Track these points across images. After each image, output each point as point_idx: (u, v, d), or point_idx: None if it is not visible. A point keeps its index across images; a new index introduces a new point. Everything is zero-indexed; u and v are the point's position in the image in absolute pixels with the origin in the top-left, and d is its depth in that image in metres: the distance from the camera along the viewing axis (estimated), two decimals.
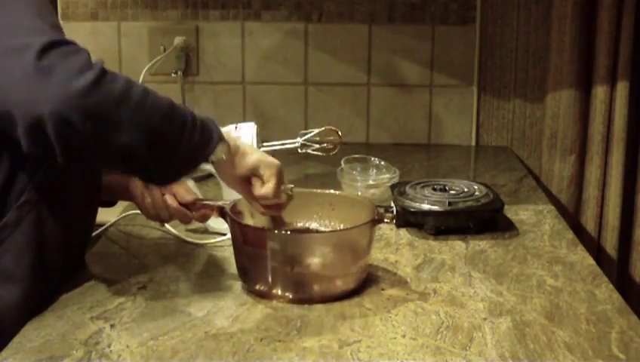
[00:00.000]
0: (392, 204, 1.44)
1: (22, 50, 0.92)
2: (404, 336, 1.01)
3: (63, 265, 1.15)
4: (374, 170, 1.67)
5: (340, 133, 1.67)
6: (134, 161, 0.98)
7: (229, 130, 1.39)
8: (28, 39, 0.93)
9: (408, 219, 1.42)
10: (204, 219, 1.24)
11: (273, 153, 1.56)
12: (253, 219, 1.20)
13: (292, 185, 1.16)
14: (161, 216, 1.25)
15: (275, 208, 1.16)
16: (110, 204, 1.34)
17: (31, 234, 1.06)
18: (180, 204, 1.22)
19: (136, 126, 0.95)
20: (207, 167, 1.09)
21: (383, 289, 1.16)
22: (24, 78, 0.91)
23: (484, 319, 1.07)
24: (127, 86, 0.95)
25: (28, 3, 1.00)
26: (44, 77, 0.90)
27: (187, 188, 1.23)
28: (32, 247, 1.06)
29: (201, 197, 1.37)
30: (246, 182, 1.13)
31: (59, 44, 0.93)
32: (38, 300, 1.08)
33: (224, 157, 1.07)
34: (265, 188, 1.12)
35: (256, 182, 1.13)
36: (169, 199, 1.22)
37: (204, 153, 1.04)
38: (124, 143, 0.95)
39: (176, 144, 1.00)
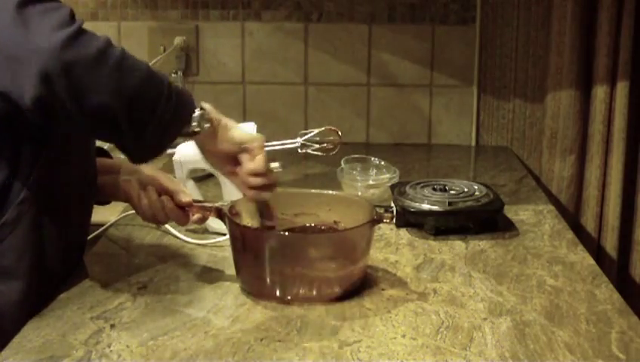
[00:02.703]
0: (392, 204, 1.44)
1: None
2: (404, 336, 1.01)
3: (62, 263, 1.15)
4: (374, 170, 1.67)
5: (339, 133, 1.67)
6: (108, 123, 0.96)
7: None
8: None
9: (408, 219, 1.42)
10: (201, 220, 1.22)
11: (273, 153, 1.56)
12: (252, 220, 1.20)
13: (278, 163, 1.13)
14: (157, 217, 1.23)
15: (264, 189, 1.13)
16: (104, 202, 1.33)
17: (31, 231, 1.06)
18: (177, 205, 1.22)
19: (113, 87, 0.94)
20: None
21: (383, 289, 1.16)
22: (1, 30, 0.91)
23: (484, 319, 1.07)
24: (105, 45, 0.95)
25: None
26: (22, 30, 0.90)
27: (184, 190, 1.22)
28: (32, 245, 1.06)
29: (200, 198, 1.37)
30: (230, 159, 1.11)
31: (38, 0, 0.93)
32: (38, 298, 1.08)
33: (205, 127, 1.05)
34: (256, 162, 1.09)
35: (244, 158, 1.10)
36: (165, 200, 1.20)
37: (182, 121, 1.03)
38: (99, 103, 0.94)
39: (152, 110, 0.98)
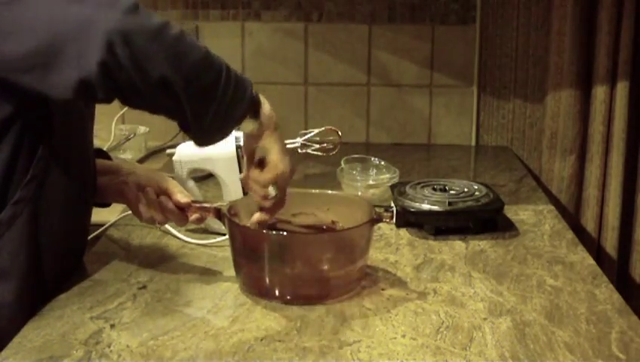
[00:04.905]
0: (392, 204, 1.44)
1: None
2: (404, 336, 1.01)
3: (59, 263, 1.14)
4: (374, 170, 1.67)
5: (339, 133, 1.67)
6: (169, 96, 0.97)
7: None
8: None
9: (408, 219, 1.42)
10: (200, 220, 1.22)
11: None
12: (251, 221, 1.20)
13: (275, 193, 1.14)
14: (155, 218, 1.22)
15: (261, 200, 1.15)
16: (105, 204, 1.33)
17: (26, 231, 1.05)
18: (175, 205, 1.21)
19: (173, 59, 0.95)
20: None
21: (383, 289, 1.16)
22: (63, 4, 0.92)
23: (484, 319, 1.07)
24: (165, 21, 0.96)
25: None
26: (80, 5, 0.92)
27: (182, 190, 1.22)
28: (27, 245, 1.06)
29: (200, 198, 1.37)
30: (257, 160, 1.13)
31: None
32: (33, 298, 1.08)
33: (252, 129, 1.07)
34: (259, 173, 1.11)
35: (258, 166, 1.12)
36: (164, 201, 1.20)
37: (239, 109, 1.04)
38: (160, 74, 0.95)
39: (212, 88, 1.00)
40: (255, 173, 1.12)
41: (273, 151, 1.11)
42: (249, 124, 1.07)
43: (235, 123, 1.05)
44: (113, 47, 0.91)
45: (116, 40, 0.91)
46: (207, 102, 1.00)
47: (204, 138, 1.06)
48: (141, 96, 0.98)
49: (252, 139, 1.11)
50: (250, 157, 1.13)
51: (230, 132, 1.06)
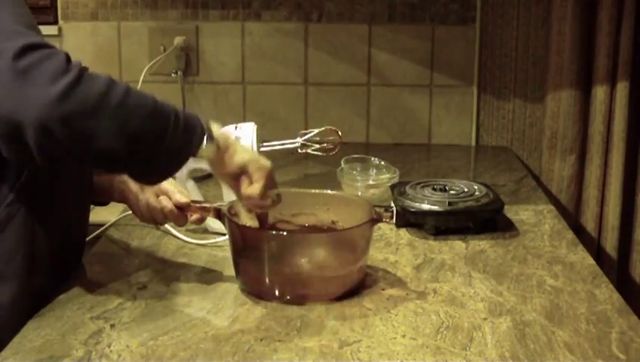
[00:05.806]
0: (392, 204, 1.44)
1: None
2: (404, 336, 1.01)
3: (57, 264, 1.14)
4: (374, 170, 1.67)
5: (339, 133, 1.67)
6: (115, 163, 0.98)
7: (228, 130, 1.38)
8: (2, 45, 0.91)
9: (408, 219, 1.42)
10: (199, 221, 1.22)
11: (273, 153, 1.56)
12: (251, 220, 1.20)
13: (278, 191, 1.13)
14: (155, 218, 1.23)
15: (260, 208, 1.15)
16: (104, 203, 1.33)
17: (21, 233, 1.05)
18: (175, 206, 1.21)
19: (116, 131, 0.93)
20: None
21: (383, 289, 1.16)
22: (11, 79, 0.90)
23: (484, 319, 1.07)
24: (106, 88, 0.93)
25: (2, 5, 0.97)
26: (19, 83, 0.89)
27: (181, 190, 1.22)
28: (23, 246, 1.06)
29: (200, 198, 1.37)
30: (236, 178, 1.11)
31: (33, 47, 0.91)
32: (31, 300, 1.08)
33: (210, 155, 1.06)
34: (251, 189, 1.09)
35: (244, 181, 1.10)
36: (164, 201, 1.20)
37: (188, 153, 1.03)
38: (103, 148, 0.94)
39: (158, 146, 0.98)
40: (248, 190, 1.09)
41: (248, 158, 1.09)
42: (208, 149, 1.05)
43: (179, 167, 1.03)
44: (50, 133, 0.90)
45: (54, 126, 0.90)
46: (152, 156, 0.99)
47: (148, 182, 1.08)
48: (84, 164, 1.02)
49: (219, 165, 1.09)
50: (232, 183, 1.11)
51: (174, 173, 1.05)
